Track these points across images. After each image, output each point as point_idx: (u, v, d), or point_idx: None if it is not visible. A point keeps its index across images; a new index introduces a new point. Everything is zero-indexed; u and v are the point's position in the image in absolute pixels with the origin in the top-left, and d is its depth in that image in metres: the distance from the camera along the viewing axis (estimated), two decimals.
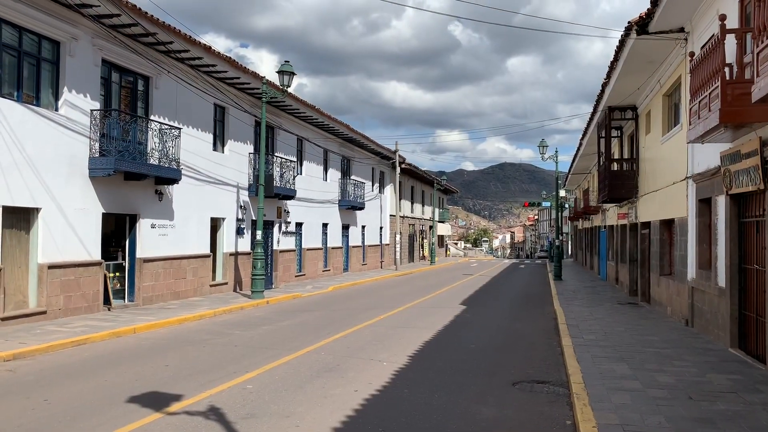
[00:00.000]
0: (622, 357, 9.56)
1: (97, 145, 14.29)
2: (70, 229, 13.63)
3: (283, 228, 24.35)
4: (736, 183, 9.57)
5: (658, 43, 13.28)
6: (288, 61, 18.65)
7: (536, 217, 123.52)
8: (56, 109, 13.50)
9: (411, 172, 43.93)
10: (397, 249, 37.66)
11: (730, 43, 8.91)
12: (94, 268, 14.35)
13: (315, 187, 27.61)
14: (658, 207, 15.95)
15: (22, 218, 12.70)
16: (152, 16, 14.55)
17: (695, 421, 6.19)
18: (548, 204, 44.25)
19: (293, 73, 18.57)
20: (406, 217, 45.09)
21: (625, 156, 21.51)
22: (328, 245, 29.75)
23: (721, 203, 10.77)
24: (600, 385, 7.65)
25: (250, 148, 21.79)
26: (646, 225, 17.78)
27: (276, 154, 22.99)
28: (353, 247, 33.59)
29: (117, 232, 15.90)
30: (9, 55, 12.51)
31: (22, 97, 12.74)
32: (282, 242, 24.25)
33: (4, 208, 12.07)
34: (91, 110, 14.27)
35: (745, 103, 7.95)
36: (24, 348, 9.90)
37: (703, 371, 8.53)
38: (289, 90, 19.20)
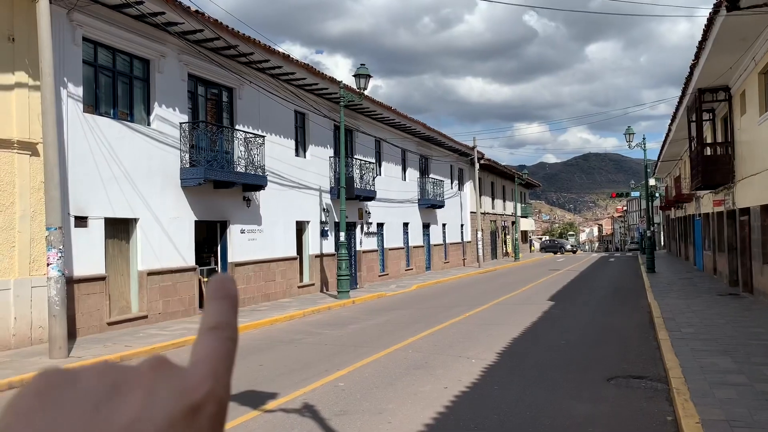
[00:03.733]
0: (724, 350, 9.08)
1: (187, 156, 14.98)
2: (165, 237, 14.35)
3: (365, 229, 24.64)
4: None
5: (752, 18, 12.50)
6: (364, 64, 18.87)
7: (625, 208, 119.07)
8: (148, 124, 14.26)
9: (490, 168, 43.38)
10: (479, 246, 37.29)
11: None
12: (189, 273, 15.04)
13: (394, 187, 27.77)
14: (758, 191, 15.02)
15: (122, 229, 13.49)
16: (233, 29, 15.09)
17: None
18: (637, 194, 42.56)
19: (369, 76, 18.76)
20: (487, 213, 44.58)
21: (719, 140, 20.39)
22: (410, 244, 29.84)
23: None
24: (702, 380, 7.31)
25: (330, 151, 22.20)
26: (746, 211, 16.79)
27: (355, 157, 23.31)
28: (435, 245, 33.53)
29: (209, 239, 16.59)
30: (105, 76, 13.33)
31: (118, 114, 13.55)
32: (364, 243, 24.54)
33: (107, 219, 12.86)
34: (180, 123, 14.97)
35: None
36: (129, 351, 10.51)
37: None
38: (365, 92, 19.42)
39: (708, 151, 19.53)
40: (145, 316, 13.64)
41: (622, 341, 10.96)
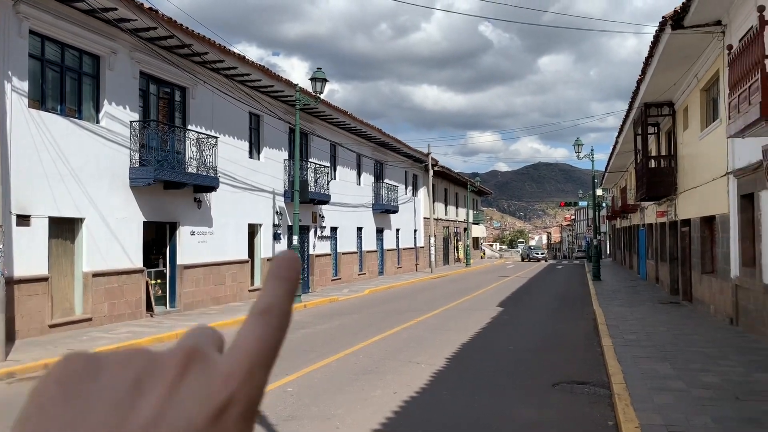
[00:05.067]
0: (664, 357, 9.42)
1: (137, 155, 14.66)
2: (113, 238, 14.00)
3: (319, 233, 24.56)
4: None
5: (694, 37, 13.04)
6: (320, 68, 18.84)
7: (573, 217, 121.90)
8: (97, 122, 13.90)
9: (444, 175, 43.84)
10: (432, 251, 37.61)
11: None
12: (136, 275, 14.71)
13: (349, 191, 27.78)
14: (698, 204, 15.63)
15: (67, 228, 13.09)
16: (187, 27, 14.87)
17: (743, 421, 6.08)
18: (585, 203, 43.67)
19: (326, 80, 18.75)
20: (440, 219, 45.01)
21: (663, 153, 21.12)
22: (363, 249, 29.88)
23: (764, 199, 10.53)
24: (642, 386, 7.56)
25: (285, 154, 22.06)
26: (686, 222, 17.44)
27: (310, 160, 23.22)
28: (388, 250, 33.66)
29: (158, 240, 16.26)
30: (52, 71, 12.94)
31: (66, 111, 13.16)
32: (318, 247, 24.46)
33: (51, 218, 12.47)
34: (131, 122, 14.65)
35: None
36: None
37: (749, 371, 8.35)
38: (322, 96, 19.40)
39: (652, 164, 20.20)
40: (90, 319, 13.27)
41: (568, 347, 11.22)
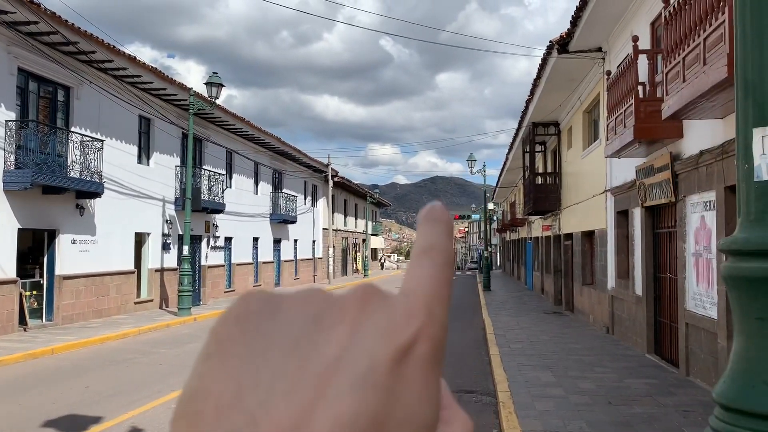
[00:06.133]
0: (546, 365, 9.85)
1: (12, 157, 13.64)
2: None
3: (212, 243, 23.84)
4: (650, 196, 10.09)
5: (578, 61, 13.87)
6: (216, 73, 18.39)
7: (466, 229, 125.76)
8: None
9: (344, 186, 43.93)
10: (330, 262, 37.51)
11: (643, 63, 9.43)
12: (8, 286, 13.63)
13: (245, 200, 27.20)
14: (579, 219, 16.56)
15: None
16: (73, 24, 14.07)
17: (614, 425, 6.45)
18: (477, 217, 45.23)
19: (221, 85, 18.31)
20: (339, 230, 45.02)
21: (549, 170, 22.26)
22: (259, 260, 29.31)
23: (637, 215, 11.31)
24: (525, 393, 7.86)
25: (177, 160, 21.29)
26: (569, 236, 18.42)
27: (204, 167, 22.55)
28: (285, 261, 33.23)
29: (35, 249, 15.17)
30: None
31: None
32: (210, 257, 23.73)
33: None
34: (6, 121, 13.62)
35: (657, 120, 8.43)
36: None
37: (621, 377, 8.91)
38: (218, 102, 18.92)
39: (539, 180, 21.23)
40: None
41: (458, 356, 11.50)
